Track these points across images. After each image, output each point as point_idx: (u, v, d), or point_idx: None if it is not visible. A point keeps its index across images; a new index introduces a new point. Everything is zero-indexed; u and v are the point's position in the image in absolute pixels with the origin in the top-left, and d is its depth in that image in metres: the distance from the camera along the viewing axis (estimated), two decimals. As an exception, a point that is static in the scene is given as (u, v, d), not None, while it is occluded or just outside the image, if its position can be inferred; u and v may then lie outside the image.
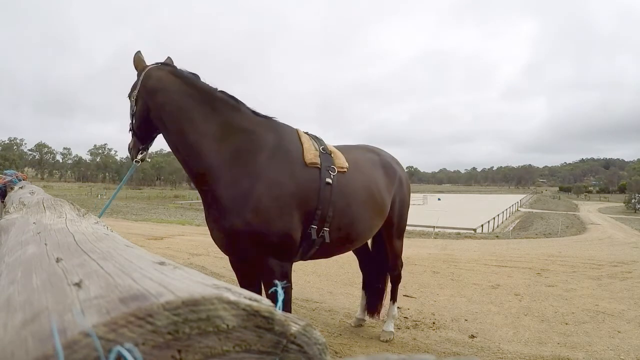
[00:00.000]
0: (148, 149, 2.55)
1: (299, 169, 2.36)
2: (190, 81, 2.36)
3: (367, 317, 3.84)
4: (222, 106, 2.34)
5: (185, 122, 2.28)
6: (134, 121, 2.45)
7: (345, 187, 2.53)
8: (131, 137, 2.55)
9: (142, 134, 2.48)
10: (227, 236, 2.27)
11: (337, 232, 2.48)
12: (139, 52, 2.53)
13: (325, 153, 2.52)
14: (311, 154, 2.43)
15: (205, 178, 2.28)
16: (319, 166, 2.43)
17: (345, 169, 2.57)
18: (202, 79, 2.43)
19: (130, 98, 2.49)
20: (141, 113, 2.39)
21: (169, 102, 2.30)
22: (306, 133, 2.64)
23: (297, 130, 2.58)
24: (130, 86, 2.51)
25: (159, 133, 2.48)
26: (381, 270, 3.72)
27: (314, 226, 2.36)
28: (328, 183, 2.41)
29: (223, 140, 2.28)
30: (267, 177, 2.24)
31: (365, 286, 3.78)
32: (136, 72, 2.48)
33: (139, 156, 2.52)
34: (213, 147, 2.26)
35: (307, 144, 2.48)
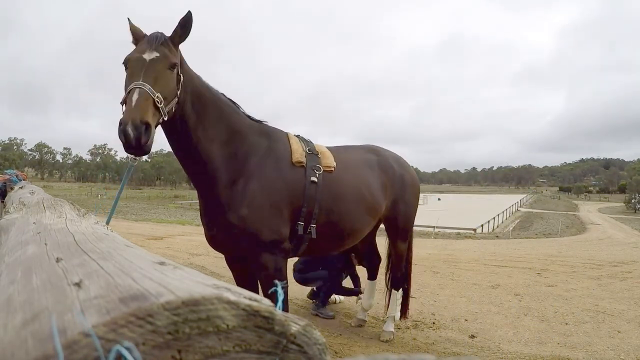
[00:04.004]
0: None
1: (287, 168, 2.47)
2: (205, 84, 2.32)
3: (367, 317, 3.86)
4: (228, 111, 2.39)
5: (198, 125, 2.23)
6: None
7: (331, 186, 2.60)
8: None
9: None
10: (223, 232, 2.35)
11: (324, 228, 2.56)
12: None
13: (312, 153, 2.62)
14: (298, 154, 2.54)
15: (204, 178, 2.34)
16: (304, 165, 2.52)
17: (332, 169, 2.65)
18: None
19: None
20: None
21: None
22: (297, 136, 2.74)
23: (287, 134, 2.69)
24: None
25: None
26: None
27: (301, 222, 2.46)
28: (313, 181, 2.50)
29: (223, 143, 2.34)
30: (260, 176, 2.35)
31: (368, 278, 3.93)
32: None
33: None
34: (214, 149, 2.31)
35: (295, 146, 2.59)
